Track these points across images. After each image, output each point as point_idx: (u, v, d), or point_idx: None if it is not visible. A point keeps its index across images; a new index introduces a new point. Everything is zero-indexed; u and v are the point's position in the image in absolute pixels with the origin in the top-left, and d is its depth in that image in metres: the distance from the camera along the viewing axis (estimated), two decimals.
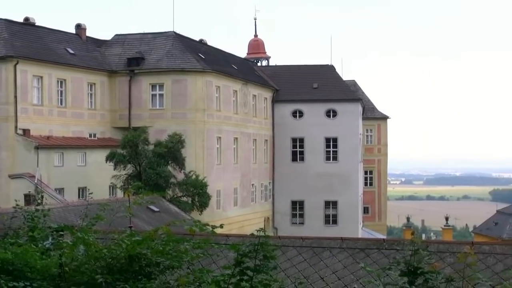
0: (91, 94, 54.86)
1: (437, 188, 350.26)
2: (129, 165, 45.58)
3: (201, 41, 65.12)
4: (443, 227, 66.68)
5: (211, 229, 8.73)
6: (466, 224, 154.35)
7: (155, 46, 57.69)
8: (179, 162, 46.75)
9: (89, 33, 59.51)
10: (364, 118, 75.99)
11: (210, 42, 67.08)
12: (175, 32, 59.29)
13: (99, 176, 48.44)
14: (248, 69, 70.00)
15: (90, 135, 53.62)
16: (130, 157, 45.19)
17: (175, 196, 46.10)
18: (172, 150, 45.88)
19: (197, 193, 46.71)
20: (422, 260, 7.62)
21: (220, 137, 57.72)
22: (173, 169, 46.54)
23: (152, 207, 34.72)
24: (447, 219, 65.80)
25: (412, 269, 7.43)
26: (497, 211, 79.71)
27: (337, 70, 73.26)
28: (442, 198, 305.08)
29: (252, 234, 8.27)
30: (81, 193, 47.78)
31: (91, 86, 54.77)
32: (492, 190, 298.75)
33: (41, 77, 50.00)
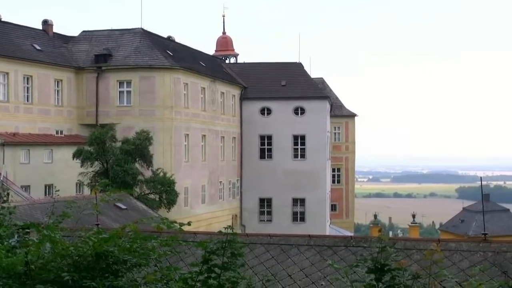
0: (58, 90, 54.34)
1: (404, 185, 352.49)
2: (96, 162, 45.23)
3: (169, 38, 64.84)
4: (410, 224, 67.11)
5: (178, 226, 8.71)
6: (433, 221, 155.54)
7: (123, 43, 57.37)
8: (147, 159, 46.54)
9: (56, 29, 58.96)
10: (332, 116, 76.26)
11: (178, 39, 66.89)
12: (142, 29, 59.00)
13: (65, 173, 48.10)
14: (216, 66, 69.87)
15: (57, 132, 53.13)
16: (97, 154, 44.86)
17: (143, 193, 45.92)
18: (139, 147, 45.65)
19: (165, 191, 46.56)
20: (389, 257, 7.65)
21: (188, 134, 57.58)
22: (140, 167, 46.31)
23: (120, 204, 34.42)
24: (414, 216, 66.23)
25: (379, 266, 7.46)
26: (463, 208, 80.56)
27: (305, 68, 73.46)
28: (409, 195, 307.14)
29: (219, 232, 8.27)
30: (47, 190, 47.44)
31: (58, 82, 54.27)
32: (458, 188, 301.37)
33: (7, 74, 49.49)
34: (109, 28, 60.42)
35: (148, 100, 54.68)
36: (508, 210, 78.52)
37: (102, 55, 55.95)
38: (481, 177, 28.81)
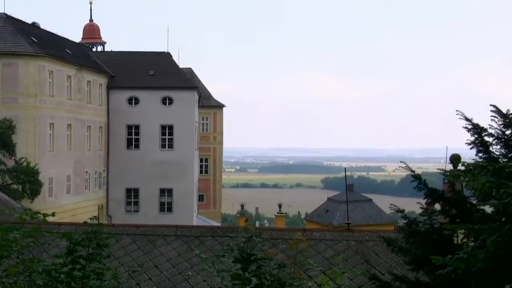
0: None
1: (271, 176, 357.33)
2: None
3: (34, 24, 63.04)
4: (276, 214, 67.99)
5: (42, 217, 8.51)
6: (299, 211, 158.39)
7: None
8: (10, 148, 45.16)
9: None
10: (200, 106, 76.25)
11: (44, 26, 65.17)
12: (5, 14, 57.12)
13: None
14: (82, 54, 68.54)
15: None
16: None
17: (5, 183, 44.58)
18: (1, 136, 44.26)
19: (28, 181, 45.36)
20: (255, 247, 7.72)
21: (53, 123, 56.25)
22: (2, 156, 44.92)
23: None
24: (280, 206, 67.15)
25: (246, 256, 7.52)
26: (328, 198, 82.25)
27: (174, 57, 73.10)
28: (275, 186, 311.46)
29: (85, 222, 8.14)
30: None
31: None
32: (323, 178, 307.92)
33: None
34: None
35: (11, 87, 52.98)
36: (371, 200, 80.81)
37: None
38: (345, 168, 29.64)
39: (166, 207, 66.59)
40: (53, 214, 8.63)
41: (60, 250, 9.19)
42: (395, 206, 9.91)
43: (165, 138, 66.87)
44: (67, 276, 7.61)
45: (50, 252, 14.14)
